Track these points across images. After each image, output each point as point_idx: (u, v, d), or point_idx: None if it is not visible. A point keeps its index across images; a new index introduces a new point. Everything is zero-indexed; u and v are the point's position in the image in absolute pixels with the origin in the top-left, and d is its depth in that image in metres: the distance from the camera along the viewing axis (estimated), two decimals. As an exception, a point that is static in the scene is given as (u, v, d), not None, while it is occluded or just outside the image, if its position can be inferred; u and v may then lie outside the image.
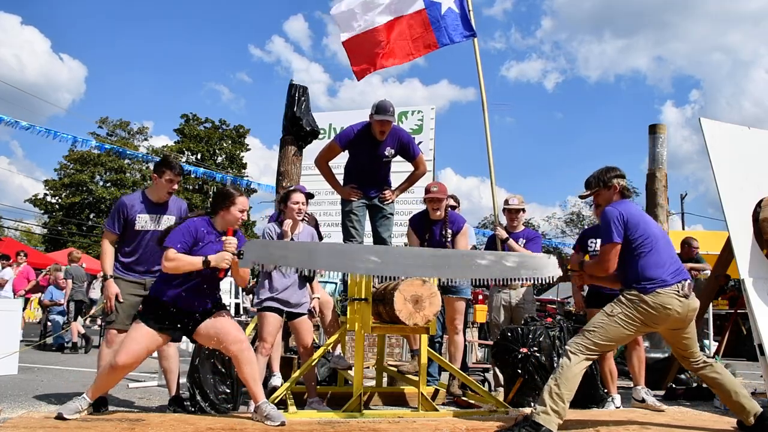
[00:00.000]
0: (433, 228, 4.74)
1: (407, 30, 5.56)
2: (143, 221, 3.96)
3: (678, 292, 3.20)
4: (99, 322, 9.08)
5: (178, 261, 3.27)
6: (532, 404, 3.23)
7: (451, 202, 5.72)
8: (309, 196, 4.56)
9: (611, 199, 3.53)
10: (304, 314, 4.22)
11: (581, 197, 3.89)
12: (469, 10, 5.59)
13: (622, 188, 3.54)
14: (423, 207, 4.95)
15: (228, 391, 3.96)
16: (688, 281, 3.28)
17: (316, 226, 4.79)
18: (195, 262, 3.29)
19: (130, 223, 3.94)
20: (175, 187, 4.05)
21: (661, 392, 5.28)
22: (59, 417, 3.21)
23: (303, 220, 4.37)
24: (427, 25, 5.54)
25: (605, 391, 4.58)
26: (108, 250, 3.96)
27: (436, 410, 3.95)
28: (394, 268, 3.58)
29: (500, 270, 3.74)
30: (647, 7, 65.23)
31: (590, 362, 3.25)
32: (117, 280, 3.92)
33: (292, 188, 4.51)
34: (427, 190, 4.72)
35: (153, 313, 3.37)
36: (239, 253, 3.36)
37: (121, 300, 3.89)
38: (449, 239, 4.66)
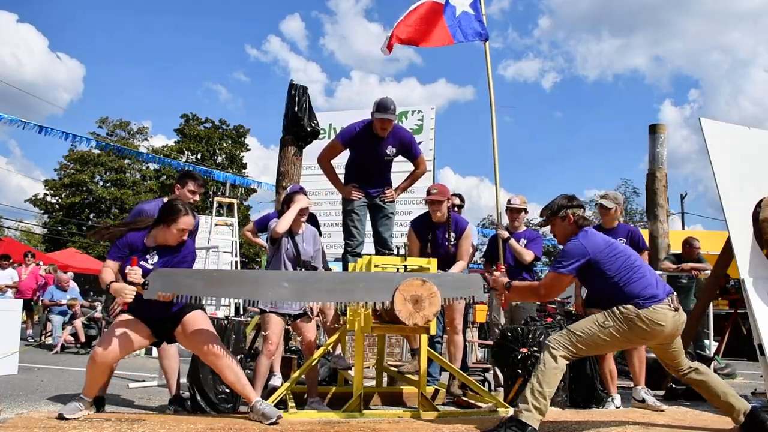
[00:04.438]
0: (435, 231, 4.69)
1: (429, 15, 5.58)
2: None
3: (670, 306, 3.20)
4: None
5: (103, 273, 3.37)
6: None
7: (456, 201, 5.72)
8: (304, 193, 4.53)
9: (567, 230, 3.46)
10: (305, 314, 4.23)
11: (539, 225, 3.89)
12: (482, 14, 5.63)
13: (577, 219, 3.44)
14: (423, 207, 4.93)
15: (228, 391, 3.96)
16: (675, 294, 3.30)
17: (316, 224, 4.78)
18: (105, 280, 3.34)
19: None
20: (197, 198, 4.07)
21: (661, 392, 5.28)
22: (60, 417, 3.21)
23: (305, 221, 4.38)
24: (442, 21, 5.59)
25: (605, 391, 4.58)
26: None
27: (436, 410, 3.95)
28: (304, 294, 3.58)
29: None
30: (645, 6, 65.24)
31: (569, 361, 3.25)
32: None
33: (291, 191, 4.49)
34: (428, 192, 4.67)
35: (131, 307, 3.43)
36: (144, 284, 3.27)
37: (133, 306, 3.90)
38: (453, 242, 4.64)
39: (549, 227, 3.63)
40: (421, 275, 3.58)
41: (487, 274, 3.70)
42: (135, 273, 3.29)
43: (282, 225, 4.12)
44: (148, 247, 3.46)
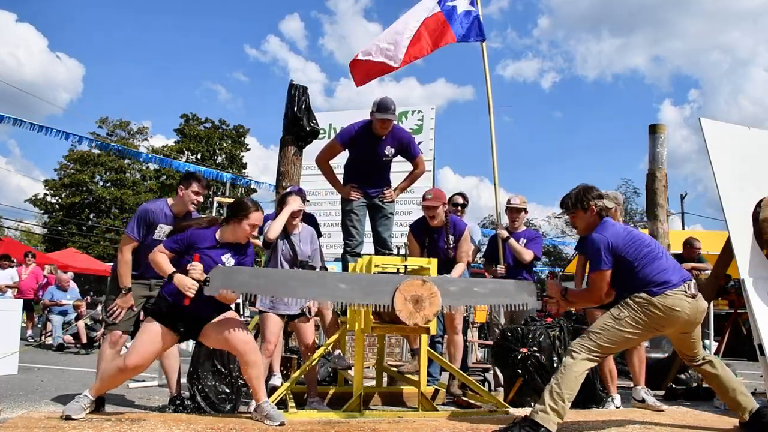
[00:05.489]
0: (434, 235, 4.68)
1: (424, 30, 5.60)
2: (162, 231, 3.95)
3: (686, 292, 3.18)
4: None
5: (157, 257, 3.32)
6: (533, 404, 3.23)
7: (460, 200, 5.72)
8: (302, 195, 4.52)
9: (590, 221, 3.46)
10: (303, 314, 4.23)
11: (557, 216, 3.90)
12: (480, 15, 5.65)
13: (600, 209, 3.46)
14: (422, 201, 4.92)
15: (228, 391, 3.96)
16: (693, 281, 3.27)
17: (315, 224, 4.78)
18: (165, 269, 3.29)
19: (150, 231, 3.93)
20: (201, 199, 4.06)
21: (661, 392, 5.28)
22: (67, 417, 3.20)
23: (302, 220, 4.38)
24: (444, 22, 5.60)
25: (605, 391, 4.58)
26: (128, 259, 3.90)
27: (436, 410, 3.95)
28: (361, 294, 3.52)
29: (470, 297, 3.69)
30: (644, 5, 65.26)
31: (593, 364, 3.23)
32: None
33: (288, 191, 4.49)
34: (423, 198, 4.63)
35: (162, 310, 3.39)
36: (205, 280, 3.23)
37: (135, 310, 3.92)
38: (452, 246, 4.64)
39: (570, 218, 3.63)
40: (488, 282, 3.57)
41: (551, 280, 3.70)
42: (196, 269, 3.26)
43: (273, 230, 4.13)
44: (220, 242, 3.41)
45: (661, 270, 3.22)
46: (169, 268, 3.28)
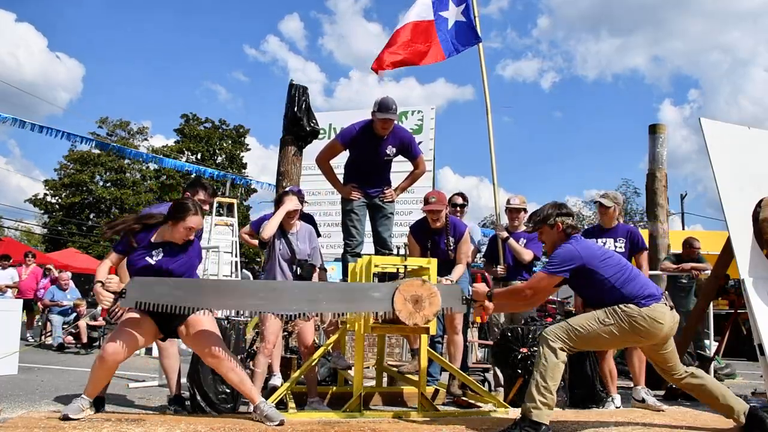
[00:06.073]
0: (435, 237, 4.68)
1: (417, 36, 5.65)
2: None
3: (666, 304, 3.24)
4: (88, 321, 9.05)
5: (99, 267, 3.46)
6: (526, 403, 3.23)
7: (459, 200, 5.74)
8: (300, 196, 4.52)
9: (555, 238, 3.47)
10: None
11: (528, 232, 3.92)
12: (475, 17, 5.65)
13: (566, 227, 3.44)
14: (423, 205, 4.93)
15: (228, 391, 3.96)
16: (666, 292, 3.35)
17: (314, 225, 4.78)
18: (96, 276, 3.40)
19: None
20: (206, 207, 4.06)
21: (661, 392, 5.27)
22: (65, 418, 3.20)
23: (299, 218, 4.38)
24: (434, 37, 5.62)
25: (605, 391, 4.58)
26: None
27: (436, 410, 3.95)
28: (280, 305, 3.51)
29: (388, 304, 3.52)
30: (644, 5, 65.21)
31: (569, 354, 3.28)
32: None
33: (286, 191, 4.50)
34: (426, 201, 4.60)
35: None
36: (121, 293, 3.28)
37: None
38: (452, 248, 4.64)
39: (537, 233, 3.65)
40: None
41: (479, 283, 3.67)
42: (112, 282, 3.33)
43: (267, 230, 4.13)
44: (153, 243, 3.45)
45: (644, 284, 3.29)
46: (98, 276, 3.37)
